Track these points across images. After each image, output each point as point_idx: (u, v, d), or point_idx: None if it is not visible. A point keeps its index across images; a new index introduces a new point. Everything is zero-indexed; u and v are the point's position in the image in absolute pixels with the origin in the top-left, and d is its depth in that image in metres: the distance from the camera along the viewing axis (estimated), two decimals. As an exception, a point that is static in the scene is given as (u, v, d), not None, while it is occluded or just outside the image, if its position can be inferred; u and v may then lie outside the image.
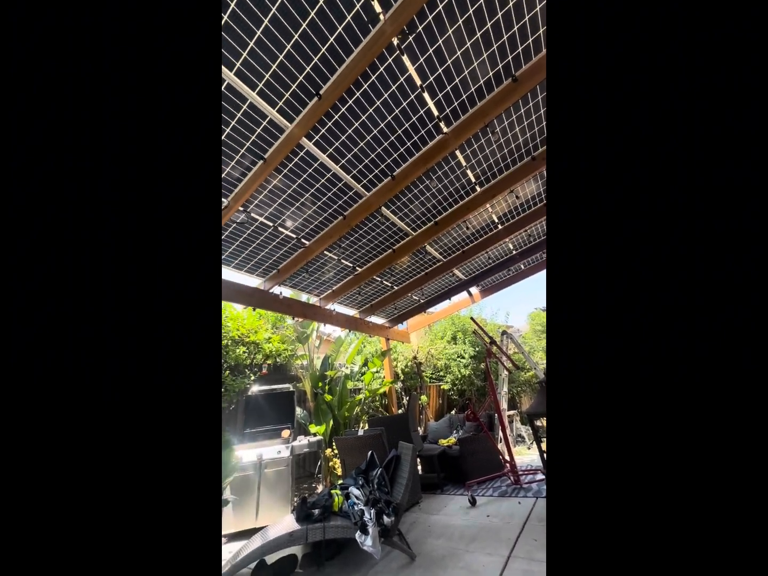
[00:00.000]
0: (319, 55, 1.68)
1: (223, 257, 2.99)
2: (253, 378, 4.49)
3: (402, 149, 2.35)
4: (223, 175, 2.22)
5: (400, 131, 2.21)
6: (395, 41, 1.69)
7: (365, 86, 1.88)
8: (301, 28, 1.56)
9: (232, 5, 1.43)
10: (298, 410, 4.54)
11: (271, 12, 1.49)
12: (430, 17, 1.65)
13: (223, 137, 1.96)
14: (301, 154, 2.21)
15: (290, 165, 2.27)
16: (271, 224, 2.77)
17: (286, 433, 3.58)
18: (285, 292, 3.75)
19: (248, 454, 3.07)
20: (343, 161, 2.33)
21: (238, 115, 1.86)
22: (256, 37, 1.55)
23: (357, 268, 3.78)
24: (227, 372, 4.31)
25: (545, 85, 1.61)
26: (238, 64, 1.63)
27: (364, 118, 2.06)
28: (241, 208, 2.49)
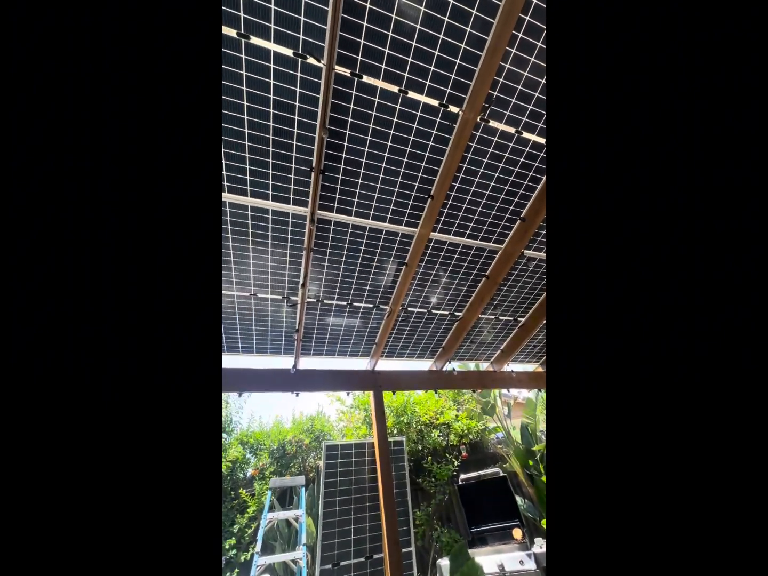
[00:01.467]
0: (422, 170, 2.02)
1: (396, 350, 3.44)
2: (456, 463, 4.32)
3: (521, 191, 2.28)
4: (380, 290, 2.75)
5: (512, 178, 2.19)
6: (478, 119, 1.85)
7: (465, 165, 2.06)
8: (404, 162, 1.97)
9: (360, 179, 2.01)
10: (518, 499, 3.85)
11: (383, 168, 1.99)
12: (501, 79, 1.75)
13: (374, 262, 2.51)
14: (431, 245, 2.49)
15: (425, 258, 2.57)
16: (425, 311, 3.05)
17: (518, 533, 3.02)
18: (455, 366, 3.76)
19: (487, 562, 2.71)
20: (467, 232, 2.46)
21: (380, 243, 2.37)
22: (378, 189, 2.07)
23: (519, 319, 3.45)
24: (429, 457, 4.36)
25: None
26: (372, 211, 2.18)
27: (473, 188, 2.19)
28: (400, 308, 2.92)
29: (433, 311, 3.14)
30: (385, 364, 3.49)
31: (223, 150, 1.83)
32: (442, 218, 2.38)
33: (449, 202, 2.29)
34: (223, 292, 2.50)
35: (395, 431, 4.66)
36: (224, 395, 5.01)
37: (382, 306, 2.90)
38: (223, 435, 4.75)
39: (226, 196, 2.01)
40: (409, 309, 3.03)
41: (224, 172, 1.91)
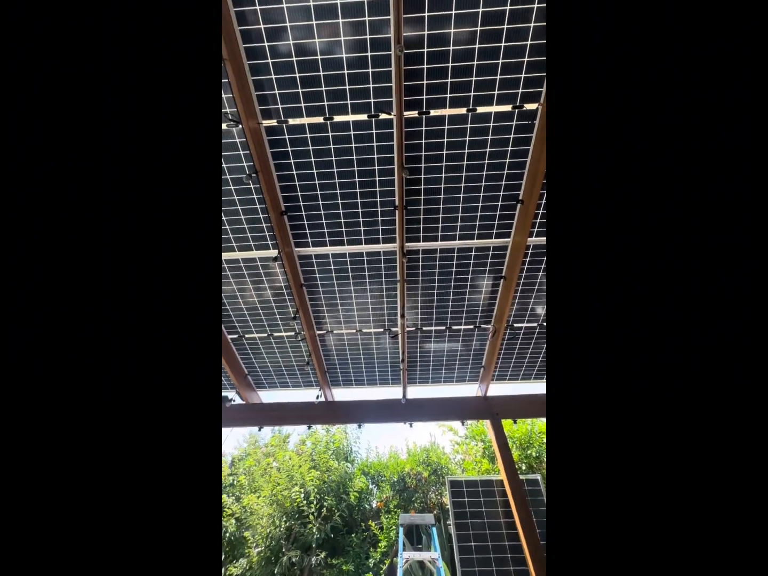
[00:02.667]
0: (504, 178, 1.91)
1: (507, 372, 3.10)
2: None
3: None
4: (479, 309, 2.59)
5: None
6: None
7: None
8: (484, 176, 1.91)
9: (441, 204, 2.04)
10: None
11: (462, 187, 1.97)
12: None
13: (468, 281, 2.41)
14: (530, 251, 2.25)
15: (525, 267, 2.33)
16: (534, 325, 2.70)
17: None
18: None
19: None
20: (572, 228, 2.13)
21: (471, 260, 2.29)
22: (460, 208, 2.05)
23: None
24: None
25: None
26: (458, 231, 2.15)
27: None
28: (505, 325, 2.67)
29: (545, 324, 2.74)
30: (500, 389, 3.16)
31: (322, 212, 2.18)
32: (538, 220, 2.15)
33: (543, 201, 2.06)
34: (334, 330, 2.82)
35: (523, 467, 4.03)
36: (342, 426, 5.42)
37: (483, 326, 2.70)
38: (347, 464, 5.07)
39: (329, 249, 2.32)
40: (515, 325, 2.73)
41: (325, 230, 2.25)
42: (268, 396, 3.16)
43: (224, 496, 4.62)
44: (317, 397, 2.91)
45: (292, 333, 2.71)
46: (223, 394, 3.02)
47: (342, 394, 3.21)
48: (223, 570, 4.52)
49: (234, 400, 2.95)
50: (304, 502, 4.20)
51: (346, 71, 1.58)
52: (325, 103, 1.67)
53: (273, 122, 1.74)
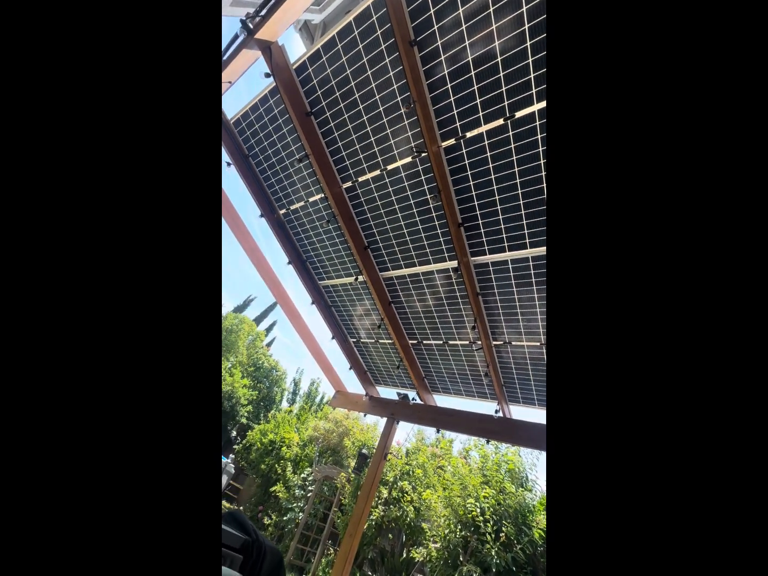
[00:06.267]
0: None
1: None
2: None
3: None
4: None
5: None
6: None
7: None
8: None
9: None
10: None
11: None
12: None
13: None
14: None
15: None
16: None
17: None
18: None
19: None
20: None
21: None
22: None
23: None
24: None
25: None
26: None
27: None
28: None
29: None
30: None
31: (500, 217, 2.07)
32: None
33: None
34: (512, 342, 2.59)
35: None
36: (515, 447, 4.87)
37: None
38: (525, 492, 4.51)
39: (507, 255, 2.17)
40: None
41: (503, 235, 2.13)
42: (442, 401, 3.31)
43: (405, 483, 5.19)
44: (496, 412, 2.76)
45: (467, 342, 2.72)
46: (404, 392, 3.43)
47: (521, 412, 2.90)
48: (404, 550, 5.06)
49: (415, 399, 3.28)
50: (481, 518, 4.06)
51: (530, 59, 1.44)
52: (506, 103, 1.59)
53: (451, 141, 1.83)
